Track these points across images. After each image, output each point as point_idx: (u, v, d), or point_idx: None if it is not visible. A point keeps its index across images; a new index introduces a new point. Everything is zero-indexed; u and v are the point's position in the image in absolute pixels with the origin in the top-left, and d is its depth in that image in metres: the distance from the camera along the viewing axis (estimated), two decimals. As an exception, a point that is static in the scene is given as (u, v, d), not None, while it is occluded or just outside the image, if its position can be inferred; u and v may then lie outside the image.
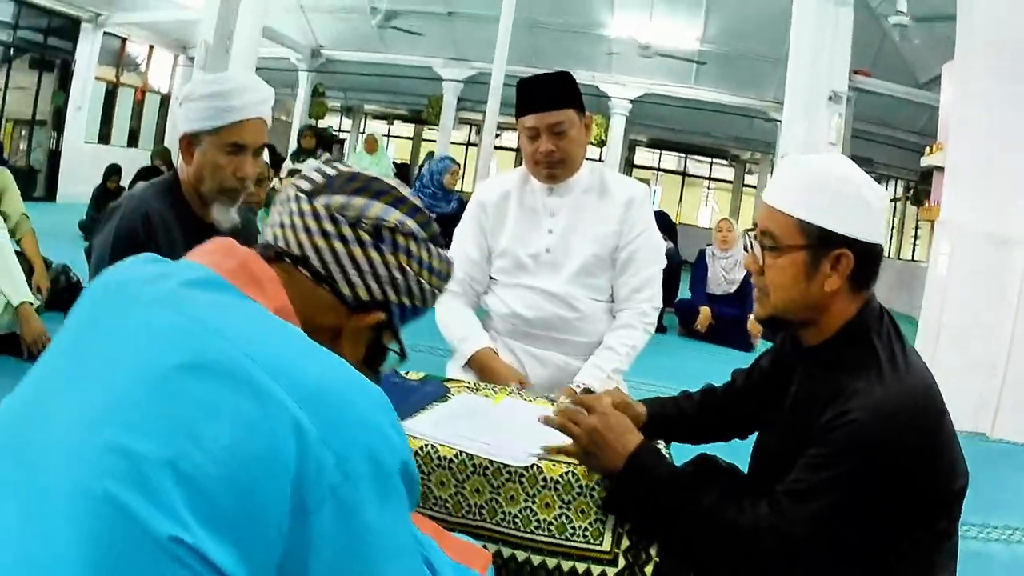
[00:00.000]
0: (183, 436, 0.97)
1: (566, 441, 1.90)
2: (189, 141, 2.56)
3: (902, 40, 13.63)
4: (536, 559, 1.81)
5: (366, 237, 1.27)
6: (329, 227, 1.27)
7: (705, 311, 9.27)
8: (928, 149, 8.07)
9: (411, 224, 1.31)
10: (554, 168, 3.01)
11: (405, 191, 1.36)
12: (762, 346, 7.72)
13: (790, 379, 1.94)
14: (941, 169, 7.49)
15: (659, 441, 2.09)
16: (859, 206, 1.74)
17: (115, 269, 1.22)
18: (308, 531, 0.99)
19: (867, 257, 1.77)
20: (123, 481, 0.94)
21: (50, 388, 1.07)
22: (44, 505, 0.95)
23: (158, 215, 2.55)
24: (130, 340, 1.07)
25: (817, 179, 1.76)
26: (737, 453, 2.22)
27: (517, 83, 3.05)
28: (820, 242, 1.74)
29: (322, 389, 1.04)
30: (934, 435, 1.67)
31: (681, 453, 2.11)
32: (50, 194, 16.01)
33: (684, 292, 9.87)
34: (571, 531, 1.80)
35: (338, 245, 1.27)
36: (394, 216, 1.30)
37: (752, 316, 8.83)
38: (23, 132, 16.37)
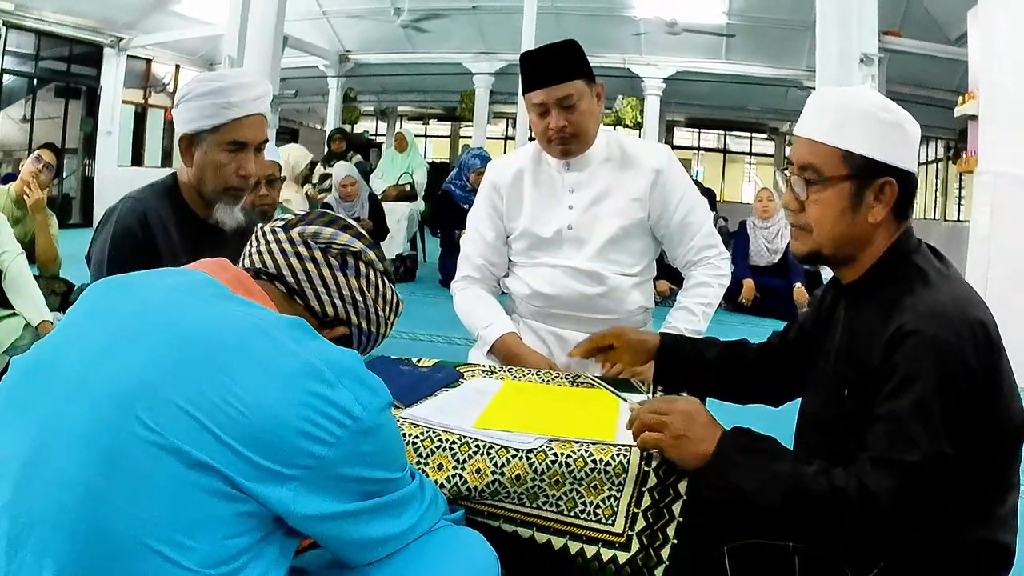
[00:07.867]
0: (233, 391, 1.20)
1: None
2: (189, 142, 2.52)
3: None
4: (541, 537, 1.70)
5: (334, 261, 1.52)
6: (303, 250, 1.51)
7: (749, 284, 9.17)
8: (960, 99, 7.92)
9: (371, 254, 1.57)
10: (567, 143, 2.90)
11: (362, 230, 1.62)
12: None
13: (834, 328, 1.89)
14: (975, 118, 7.32)
15: None
16: (899, 135, 1.73)
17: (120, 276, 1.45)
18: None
19: (908, 186, 1.75)
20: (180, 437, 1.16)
21: (84, 344, 1.28)
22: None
23: (156, 215, 2.51)
24: (168, 313, 1.29)
25: (856, 109, 1.74)
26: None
27: (520, 56, 2.96)
28: (865, 172, 1.72)
29: (335, 360, 1.28)
30: (991, 338, 1.59)
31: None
32: (86, 220, 16.05)
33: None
34: (581, 508, 1.70)
35: (310, 266, 1.51)
36: (358, 245, 1.55)
37: (797, 285, 8.74)
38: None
